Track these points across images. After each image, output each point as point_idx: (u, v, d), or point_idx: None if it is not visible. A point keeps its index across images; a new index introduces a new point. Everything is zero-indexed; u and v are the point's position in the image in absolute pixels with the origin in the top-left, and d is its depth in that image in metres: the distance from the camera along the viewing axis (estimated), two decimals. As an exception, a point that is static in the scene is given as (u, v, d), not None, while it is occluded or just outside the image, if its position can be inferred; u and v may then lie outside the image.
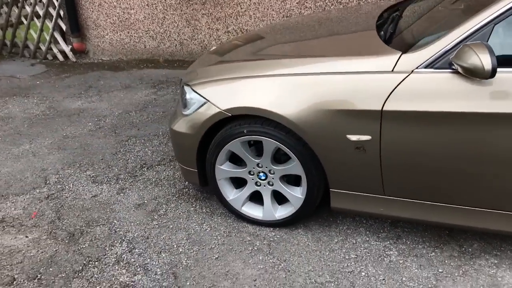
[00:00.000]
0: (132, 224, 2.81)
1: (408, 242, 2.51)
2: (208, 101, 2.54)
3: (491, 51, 1.84)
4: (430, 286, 2.22)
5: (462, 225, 2.30)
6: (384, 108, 2.14)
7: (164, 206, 2.97)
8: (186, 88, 2.71)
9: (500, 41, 2.01)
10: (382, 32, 2.52)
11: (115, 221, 2.85)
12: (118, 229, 2.77)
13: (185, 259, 2.50)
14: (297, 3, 5.08)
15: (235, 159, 2.66)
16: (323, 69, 2.30)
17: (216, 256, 2.51)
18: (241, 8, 5.32)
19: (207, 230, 2.72)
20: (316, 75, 2.30)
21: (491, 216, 2.19)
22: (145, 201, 3.03)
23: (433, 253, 2.42)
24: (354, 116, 2.21)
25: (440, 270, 2.30)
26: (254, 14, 5.29)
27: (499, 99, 1.96)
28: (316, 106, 2.27)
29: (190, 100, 2.65)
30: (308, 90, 2.30)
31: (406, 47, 2.23)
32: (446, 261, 2.36)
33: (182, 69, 5.57)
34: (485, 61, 1.83)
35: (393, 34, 2.49)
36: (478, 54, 1.85)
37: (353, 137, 2.24)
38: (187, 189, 3.14)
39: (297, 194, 2.55)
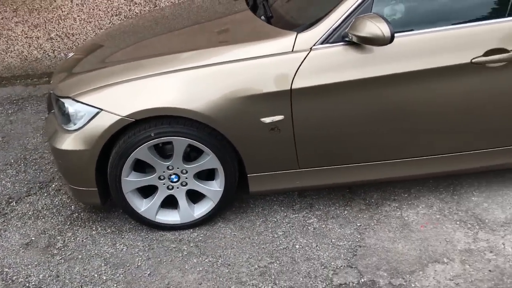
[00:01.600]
0: (30, 266, 2.42)
1: (321, 207, 2.70)
2: (102, 109, 2.30)
3: (386, 20, 2.08)
4: (357, 240, 2.44)
5: (362, 180, 2.56)
6: (293, 87, 2.25)
7: (59, 238, 2.61)
8: (66, 101, 2.41)
9: (379, 9, 2.28)
10: (263, 16, 2.61)
11: (7, 269, 2.41)
12: (16, 277, 2.35)
13: (115, 285, 2.27)
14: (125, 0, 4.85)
15: (139, 167, 2.48)
16: (226, 58, 2.30)
17: (148, 272, 2.33)
18: (62, 12, 4.85)
19: (124, 250, 2.49)
20: (220, 65, 2.28)
21: (381, 167, 2.50)
22: (33, 238, 2.62)
23: (345, 212, 2.65)
24: (265, 99, 2.27)
25: (358, 224, 2.55)
26: (78, 16, 4.87)
27: (395, 61, 2.24)
28: (226, 96, 2.26)
29: (76, 114, 2.37)
30: (216, 81, 2.27)
31: (293, 27, 2.36)
32: (359, 215, 2.61)
33: (2, 86, 4.86)
34: (384, 29, 2.06)
35: (272, 16, 2.60)
36: (376, 24, 2.07)
37: (267, 119, 2.30)
38: (77, 214, 2.81)
39: (215, 188, 2.51)
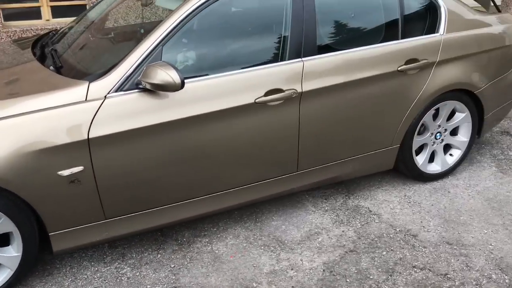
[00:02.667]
0: None
1: (134, 255, 2.66)
2: None
3: (175, 67, 2.21)
4: (172, 282, 2.46)
5: (172, 221, 2.62)
6: (90, 136, 2.21)
7: None
8: None
9: (171, 57, 2.41)
10: (51, 66, 2.52)
11: None
12: None
13: None
14: None
15: None
16: (14, 111, 2.14)
17: None
18: None
19: None
20: (8, 119, 2.12)
21: (189, 206, 2.61)
22: None
23: (159, 255, 2.66)
24: (61, 151, 2.18)
25: (172, 266, 2.57)
26: None
27: (189, 105, 2.37)
28: (17, 151, 2.10)
29: None
30: (3, 136, 2.09)
31: (85, 76, 2.34)
32: (173, 257, 2.64)
33: None
34: (174, 76, 2.18)
35: (61, 65, 2.53)
36: (166, 71, 2.18)
37: (66, 172, 2.21)
38: None
39: (11, 254, 2.27)
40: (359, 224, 2.90)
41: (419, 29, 3.05)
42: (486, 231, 2.80)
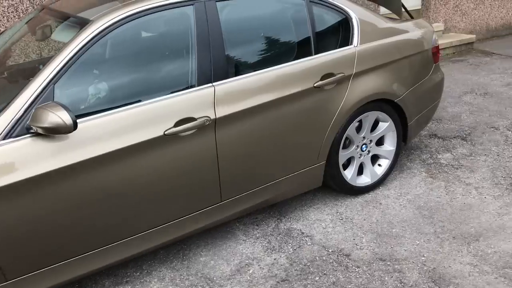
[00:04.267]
0: None
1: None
2: None
3: (66, 108, 2.01)
4: None
5: (89, 271, 2.39)
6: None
7: None
8: None
9: (64, 96, 2.21)
10: None
11: None
12: None
13: None
14: None
15: None
16: None
17: None
18: None
19: None
20: None
21: (106, 252, 2.39)
22: None
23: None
24: None
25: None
26: None
27: (89, 145, 2.17)
28: None
29: None
30: None
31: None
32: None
33: None
34: (65, 117, 1.98)
35: None
36: (56, 113, 1.98)
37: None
38: None
39: None
40: (291, 249, 2.77)
41: (333, 42, 3.00)
42: (418, 242, 2.75)
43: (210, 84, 2.52)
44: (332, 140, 3.00)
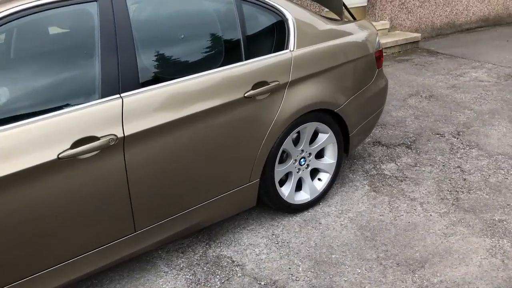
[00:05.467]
0: None
1: None
2: None
3: None
4: None
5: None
6: None
7: None
8: None
9: None
10: None
11: None
12: None
13: None
14: None
15: None
16: None
17: None
18: None
19: None
20: None
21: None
22: None
23: None
24: None
25: None
26: None
27: None
28: None
29: None
30: None
31: None
32: None
33: None
34: None
35: None
36: None
37: None
38: None
39: None
40: (218, 283, 2.43)
41: (266, 47, 2.66)
42: (359, 270, 2.48)
43: (117, 96, 2.12)
44: (266, 155, 2.67)
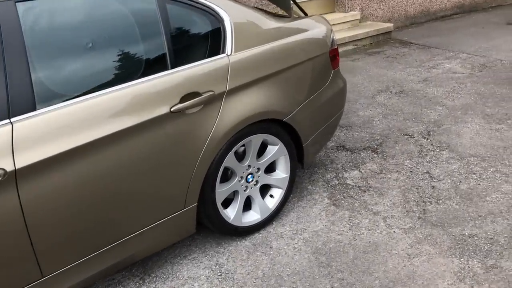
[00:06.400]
0: None
1: None
2: None
3: None
4: None
5: None
6: None
7: None
8: None
9: None
10: None
11: None
12: None
13: None
14: None
15: None
16: None
17: None
18: None
19: None
20: None
21: None
22: None
23: None
24: None
25: None
26: None
27: None
28: None
29: None
30: None
31: None
32: None
33: None
34: None
35: None
36: None
37: None
38: None
39: None
40: (148, 328, 2.11)
41: (198, 52, 2.31)
42: (310, 306, 2.18)
43: (6, 121, 1.77)
44: (203, 175, 2.34)
